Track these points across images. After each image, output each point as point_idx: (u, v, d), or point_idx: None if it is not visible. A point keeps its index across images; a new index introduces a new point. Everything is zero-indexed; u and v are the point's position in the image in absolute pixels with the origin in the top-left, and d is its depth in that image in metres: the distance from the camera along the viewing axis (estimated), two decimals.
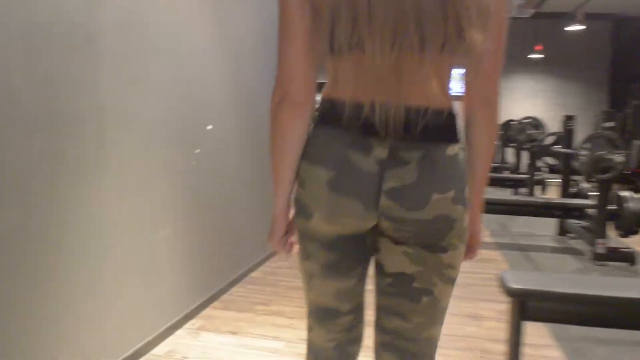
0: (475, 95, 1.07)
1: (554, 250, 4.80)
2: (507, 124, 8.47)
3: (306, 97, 1.02)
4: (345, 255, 1.10)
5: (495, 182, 8.21)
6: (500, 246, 4.79)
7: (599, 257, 4.30)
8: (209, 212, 2.85)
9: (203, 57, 2.73)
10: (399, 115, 0.96)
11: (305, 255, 1.12)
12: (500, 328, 2.69)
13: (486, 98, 1.07)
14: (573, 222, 5.09)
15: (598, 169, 4.13)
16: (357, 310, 1.19)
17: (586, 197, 5.28)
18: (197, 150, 2.68)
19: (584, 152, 4.15)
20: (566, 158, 5.20)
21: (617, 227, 4.45)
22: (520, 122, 6.85)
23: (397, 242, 1.06)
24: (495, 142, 1.12)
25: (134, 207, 2.17)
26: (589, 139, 4.14)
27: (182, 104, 2.51)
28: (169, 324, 2.50)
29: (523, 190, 7.74)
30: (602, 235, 4.33)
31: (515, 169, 8.35)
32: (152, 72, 2.24)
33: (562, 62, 12.73)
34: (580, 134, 6.59)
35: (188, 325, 2.68)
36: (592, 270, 4.07)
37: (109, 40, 1.96)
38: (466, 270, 3.77)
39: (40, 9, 1.60)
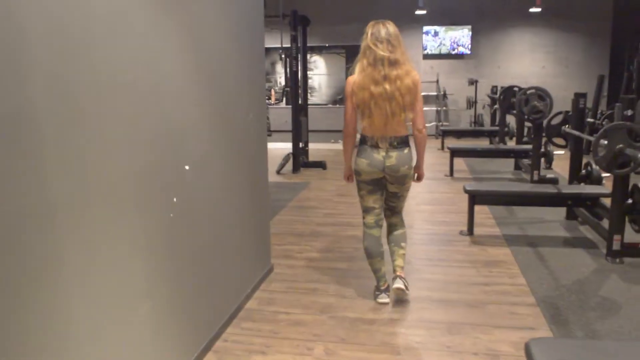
0: (414, 128, 3.17)
1: (565, 243, 4.52)
2: (510, 90, 8.06)
3: (354, 131, 3.21)
4: (375, 186, 3.23)
5: (497, 154, 7.89)
6: (507, 240, 4.50)
7: (615, 254, 4.04)
8: (188, 258, 2.50)
9: (174, 88, 2.34)
10: (387, 140, 3.11)
11: (360, 188, 3.26)
12: None
13: (418, 129, 3.16)
14: (585, 210, 4.81)
15: (617, 163, 3.80)
16: (381, 207, 3.31)
17: (599, 181, 4.98)
18: (175, 199, 2.31)
19: (601, 144, 3.80)
20: (578, 141, 4.85)
21: (633, 221, 4.17)
22: (525, 92, 6.43)
23: (390, 182, 3.22)
24: (423, 146, 3.24)
25: (107, 288, 1.85)
26: (608, 130, 3.78)
27: (151, 149, 2.13)
28: None
29: (526, 161, 7.43)
30: (619, 230, 4.05)
31: (519, 138, 8.00)
32: (110, 116, 1.85)
33: (562, 14, 12.16)
34: (580, 89, 6.20)
35: None
36: (609, 271, 3.81)
37: (43, 83, 1.58)
38: (477, 281, 3.51)
39: None
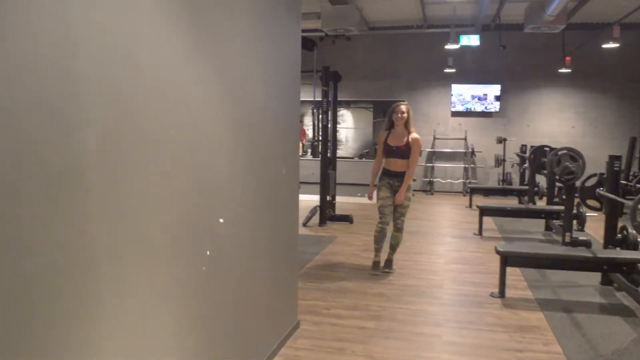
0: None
1: (602, 309, 4.36)
2: (540, 150, 7.99)
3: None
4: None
5: (528, 214, 7.75)
6: (541, 305, 4.36)
7: None
8: (217, 311, 2.47)
9: (213, 143, 2.38)
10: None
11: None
12: None
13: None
14: (621, 276, 4.65)
15: None
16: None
17: (635, 246, 4.84)
18: (208, 252, 2.31)
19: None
20: (613, 204, 4.75)
21: None
22: (556, 153, 6.37)
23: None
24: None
25: (134, 341, 1.83)
26: None
27: (188, 202, 2.15)
28: None
29: (557, 222, 7.28)
30: None
31: (550, 198, 7.89)
32: (150, 170, 1.88)
33: (591, 76, 12.17)
34: (610, 149, 6.14)
35: None
36: None
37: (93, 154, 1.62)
38: (509, 346, 3.38)
39: None
